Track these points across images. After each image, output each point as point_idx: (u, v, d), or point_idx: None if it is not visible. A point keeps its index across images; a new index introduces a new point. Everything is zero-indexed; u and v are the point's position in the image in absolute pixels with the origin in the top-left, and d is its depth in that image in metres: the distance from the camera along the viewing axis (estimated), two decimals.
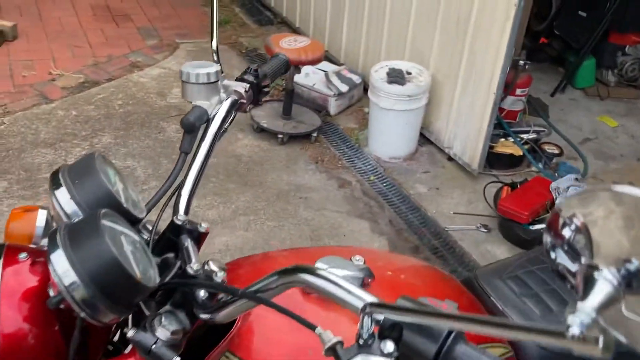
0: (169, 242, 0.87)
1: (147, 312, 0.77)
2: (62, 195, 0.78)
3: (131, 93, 3.66)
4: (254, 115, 3.42)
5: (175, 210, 0.90)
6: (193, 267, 0.79)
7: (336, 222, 2.86)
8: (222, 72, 1.06)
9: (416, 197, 3.07)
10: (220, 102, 1.04)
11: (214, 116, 1.01)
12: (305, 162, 3.27)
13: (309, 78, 3.66)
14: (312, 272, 0.66)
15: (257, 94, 1.12)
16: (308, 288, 0.88)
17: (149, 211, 0.90)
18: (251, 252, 2.60)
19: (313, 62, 3.25)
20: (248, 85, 1.09)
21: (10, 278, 0.72)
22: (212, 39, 1.09)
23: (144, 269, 0.73)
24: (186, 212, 0.91)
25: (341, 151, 3.38)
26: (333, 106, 3.62)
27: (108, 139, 3.23)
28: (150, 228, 0.89)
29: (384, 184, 3.15)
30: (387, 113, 3.16)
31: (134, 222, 0.84)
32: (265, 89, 1.14)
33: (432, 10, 3.15)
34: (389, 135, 3.27)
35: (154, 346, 0.71)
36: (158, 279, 0.75)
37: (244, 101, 1.07)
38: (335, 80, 3.63)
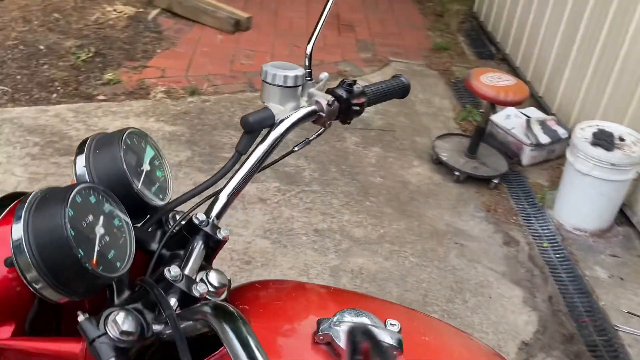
0: (184, 239, 0.80)
1: (116, 301, 0.71)
2: (80, 161, 0.76)
3: None
4: (436, 146, 3.25)
5: (208, 211, 0.83)
6: (171, 270, 0.71)
7: (486, 280, 2.57)
8: (311, 79, 0.97)
9: (591, 280, 2.62)
10: (297, 109, 0.94)
11: (281, 122, 0.91)
12: (475, 207, 3.01)
13: (509, 121, 3.37)
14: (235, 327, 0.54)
15: (345, 111, 0.99)
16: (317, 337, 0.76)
17: (177, 205, 0.84)
18: (382, 283, 2.46)
19: (511, 104, 3.04)
20: (333, 98, 0.97)
21: (3, 229, 0.71)
22: (308, 42, 1.00)
23: (115, 257, 0.67)
24: (218, 216, 0.84)
25: (520, 206, 3.05)
26: (527, 156, 3.28)
27: (290, 135, 3.33)
28: (178, 219, 0.83)
29: (557, 255, 2.75)
30: (582, 177, 2.76)
31: (147, 207, 0.78)
32: (356, 108, 1.00)
33: None
34: (580, 203, 2.85)
35: (97, 339, 0.65)
36: (124, 271, 0.68)
37: (323, 114, 0.96)
38: (537, 129, 3.29)
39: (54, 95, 3.30)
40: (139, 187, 0.77)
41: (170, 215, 0.85)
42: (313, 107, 0.95)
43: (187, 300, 0.70)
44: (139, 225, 0.81)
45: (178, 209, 0.86)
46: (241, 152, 0.89)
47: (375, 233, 2.72)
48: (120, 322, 0.66)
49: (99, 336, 0.65)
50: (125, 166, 0.75)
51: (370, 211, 2.85)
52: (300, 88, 0.94)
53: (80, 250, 0.63)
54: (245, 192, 2.80)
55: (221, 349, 0.76)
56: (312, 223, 2.71)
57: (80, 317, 0.66)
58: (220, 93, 3.62)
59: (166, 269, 0.71)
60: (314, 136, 1.02)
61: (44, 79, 3.40)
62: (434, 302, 2.41)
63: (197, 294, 0.70)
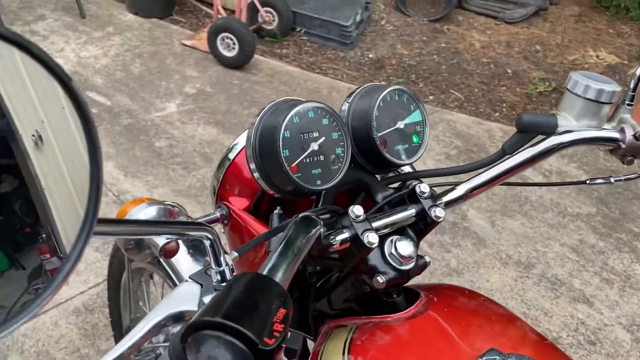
0: (401, 202, 0.78)
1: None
2: (348, 100, 0.81)
3: None
4: None
5: (438, 195, 0.78)
6: (355, 209, 0.69)
7: None
8: (631, 104, 0.77)
9: None
10: (592, 128, 0.77)
11: (562, 133, 0.76)
12: None
13: None
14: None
15: None
16: None
17: (422, 176, 0.80)
18: None
19: None
20: None
21: None
22: None
23: (318, 175, 0.71)
24: (447, 204, 0.78)
25: None
26: None
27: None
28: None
29: None
30: None
31: (386, 160, 0.78)
32: None
33: None
34: None
35: (275, 231, 0.71)
36: (319, 189, 0.71)
37: (623, 145, 0.75)
38: None
39: (496, 114, 3.46)
40: (375, 135, 0.77)
41: (414, 183, 0.83)
42: (612, 134, 0.77)
43: (356, 242, 0.69)
44: (379, 177, 0.83)
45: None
46: (506, 150, 0.79)
47: None
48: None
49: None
50: (374, 114, 0.76)
51: None
52: (606, 107, 0.77)
53: (284, 150, 0.69)
54: None
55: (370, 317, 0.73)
56: None
57: (275, 211, 0.74)
58: None
59: (352, 207, 0.71)
60: (622, 178, 0.83)
61: (496, 97, 3.60)
62: None
63: (365, 240, 0.68)
